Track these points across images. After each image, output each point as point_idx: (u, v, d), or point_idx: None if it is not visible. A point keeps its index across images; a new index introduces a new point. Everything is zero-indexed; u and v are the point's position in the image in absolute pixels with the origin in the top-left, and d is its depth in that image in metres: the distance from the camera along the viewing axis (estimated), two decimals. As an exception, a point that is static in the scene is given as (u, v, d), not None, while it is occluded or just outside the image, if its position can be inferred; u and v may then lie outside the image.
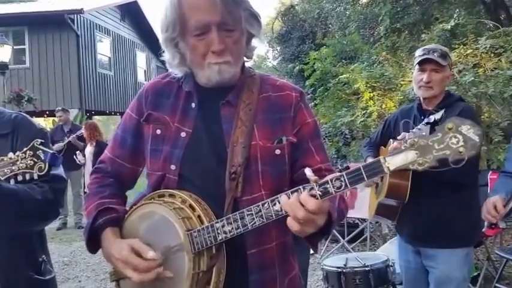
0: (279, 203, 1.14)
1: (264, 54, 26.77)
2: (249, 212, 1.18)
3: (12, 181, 1.35)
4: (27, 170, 1.32)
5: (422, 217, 2.48)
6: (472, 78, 5.26)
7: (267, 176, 1.32)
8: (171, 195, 1.32)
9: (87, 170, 7.53)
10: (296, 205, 1.09)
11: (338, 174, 1.09)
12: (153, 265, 1.22)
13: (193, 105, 1.40)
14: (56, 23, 15.18)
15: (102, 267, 5.81)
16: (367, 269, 3.07)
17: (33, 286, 1.66)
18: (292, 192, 1.13)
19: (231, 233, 1.21)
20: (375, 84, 6.90)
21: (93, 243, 1.38)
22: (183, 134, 1.37)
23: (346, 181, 1.08)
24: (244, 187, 1.29)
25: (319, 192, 1.09)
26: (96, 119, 17.81)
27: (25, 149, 1.33)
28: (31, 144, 1.33)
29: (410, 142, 1.03)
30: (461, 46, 5.91)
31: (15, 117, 1.72)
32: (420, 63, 2.48)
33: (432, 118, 2.33)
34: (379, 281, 2.86)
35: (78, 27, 15.87)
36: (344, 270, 3.10)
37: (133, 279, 1.24)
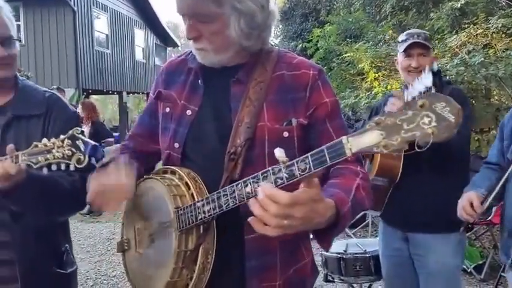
0: (251, 184, 1.09)
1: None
2: (225, 193, 1.15)
3: (45, 169, 1.28)
4: (64, 160, 1.25)
5: (413, 200, 2.35)
6: (482, 59, 5.10)
7: (274, 158, 1.21)
8: (173, 172, 1.32)
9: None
10: (266, 202, 0.99)
11: (304, 156, 1.01)
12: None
13: (199, 82, 1.38)
14: (52, -2, 14.86)
15: (97, 249, 5.75)
16: (367, 255, 2.99)
17: (54, 281, 1.63)
18: (262, 174, 1.07)
19: (209, 213, 1.18)
20: (380, 64, 6.72)
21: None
22: (188, 112, 1.36)
23: (311, 163, 0.99)
24: (245, 169, 1.24)
25: (286, 175, 1.03)
26: (94, 98, 17.60)
27: (63, 137, 1.26)
28: (70, 132, 1.26)
29: (376, 120, 0.91)
30: (471, 26, 5.71)
31: (50, 97, 1.67)
32: (407, 48, 2.41)
33: (436, 66, 2.23)
34: (380, 268, 2.74)
35: (75, 3, 15.54)
36: (344, 256, 3.03)
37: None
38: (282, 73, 1.34)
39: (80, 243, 6.04)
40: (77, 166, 1.26)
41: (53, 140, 1.27)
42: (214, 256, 1.24)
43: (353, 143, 0.94)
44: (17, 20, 15.43)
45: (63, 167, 1.26)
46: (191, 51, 1.41)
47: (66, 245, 1.71)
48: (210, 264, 1.23)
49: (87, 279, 4.87)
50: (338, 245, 3.26)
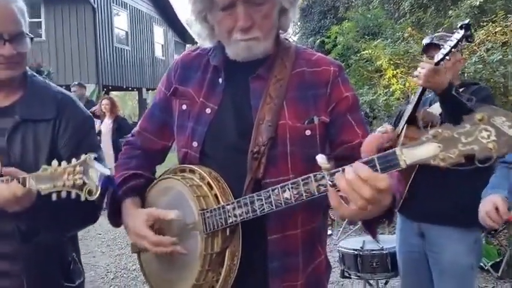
0: (290, 190, 1.07)
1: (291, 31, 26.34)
2: (259, 197, 1.12)
3: (54, 195, 1.18)
4: (74, 190, 1.15)
5: (432, 192, 2.32)
6: (500, 57, 5.08)
7: (297, 157, 1.25)
8: (192, 171, 1.28)
9: (103, 146, 7.47)
10: (360, 184, 0.94)
11: (351, 164, 0.98)
12: (164, 241, 1.22)
13: (220, 80, 1.34)
14: (72, -5, 15.03)
15: (117, 243, 5.84)
16: (384, 252, 3.01)
17: None
18: (302, 180, 1.05)
19: (241, 217, 1.15)
20: (399, 62, 6.66)
21: (116, 216, 1.36)
22: (208, 110, 1.32)
23: None
24: (268, 168, 1.23)
25: (330, 182, 1.01)
26: (113, 94, 17.79)
27: (75, 163, 1.16)
28: (83, 158, 1.15)
29: (433, 133, 0.89)
30: (490, 23, 5.67)
31: (61, 99, 1.53)
32: (427, 50, 2.46)
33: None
34: (397, 265, 2.74)
35: (95, 1, 15.69)
36: (361, 253, 3.05)
37: (152, 251, 1.24)
38: (302, 70, 1.33)
39: (100, 236, 6.15)
40: (88, 197, 1.14)
41: (64, 165, 1.18)
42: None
43: (407, 155, 0.92)
44: (38, 16, 15.64)
45: (73, 195, 1.16)
46: (211, 48, 1.39)
47: (73, 254, 1.61)
48: (236, 266, 1.21)
49: (108, 272, 4.95)
50: (355, 241, 3.28)
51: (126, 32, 18.08)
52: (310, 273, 1.33)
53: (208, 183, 1.23)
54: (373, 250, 3.05)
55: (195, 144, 1.32)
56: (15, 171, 1.31)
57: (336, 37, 8.48)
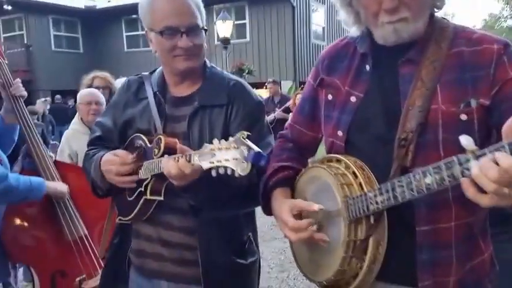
0: (431, 175, 1.02)
1: (498, 13, 23.46)
2: (400, 183, 1.09)
3: (213, 172, 1.21)
4: (229, 166, 1.18)
5: None
6: None
7: (450, 145, 1.16)
8: (338, 161, 1.29)
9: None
10: (488, 165, 0.90)
11: (498, 144, 0.92)
12: (302, 225, 1.24)
13: (367, 67, 1.32)
14: (273, -4, 15.77)
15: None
16: None
17: (233, 270, 1.62)
18: (445, 164, 0.99)
19: (383, 204, 1.14)
20: None
21: (268, 206, 1.41)
22: (353, 99, 1.32)
23: (509, 153, 0.89)
24: (417, 156, 1.18)
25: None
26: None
27: (230, 141, 1.19)
28: (237, 136, 1.19)
29: None
30: None
31: (233, 86, 1.63)
32: None
33: None
34: None
35: (294, -1, 16.19)
36: None
37: (291, 239, 1.28)
38: (461, 50, 1.23)
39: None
40: (241, 174, 1.16)
41: (221, 142, 1.21)
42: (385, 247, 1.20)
43: None
44: (243, 18, 16.76)
45: (229, 171, 1.18)
46: (354, 36, 1.37)
47: (250, 233, 1.70)
48: (381, 256, 1.19)
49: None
50: None
51: (323, 28, 18.32)
52: (468, 272, 1.26)
53: (353, 172, 1.23)
54: None
55: (339, 133, 1.33)
56: (184, 149, 1.39)
57: None
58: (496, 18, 24.82)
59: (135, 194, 1.56)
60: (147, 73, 1.72)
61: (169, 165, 1.35)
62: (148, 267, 1.65)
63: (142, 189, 1.52)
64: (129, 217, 1.61)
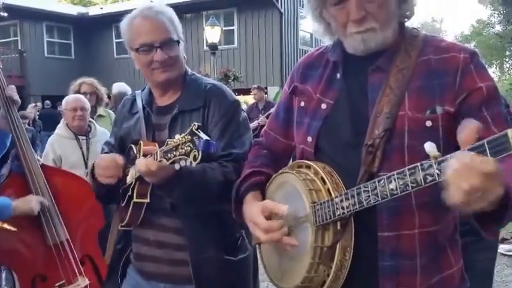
0: (395, 181, 1.05)
1: (486, 19, 23.49)
2: (366, 189, 1.12)
3: (177, 165, 1.33)
4: (185, 157, 1.29)
5: None
6: None
7: (415, 151, 1.17)
8: (307, 166, 1.31)
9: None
10: (467, 172, 0.91)
11: (460, 151, 0.96)
12: (274, 226, 1.26)
13: (338, 75, 1.35)
14: (261, 2, 15.85)
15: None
16: None
17: (223, 267, 1.67)
18: (409, 170, 1.03)
19: (348, 209, 1.15)
20: None
21: (240, 211, 1.43)
22: (323, 106, 1.34)
23: None
24: (383, 161, 1.20)
25: (437, 171, 0.98)
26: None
27: (184, 134, 1.30)
28: (190, 128, 1.29)
29: None
30: None
31: (209, 89, 1.73)
32: None
33: None
34: None
35: (282, 5, 16.27)
36: None
37: (261, 240, 1.30)
38: (428, 58, 1.26)
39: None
40: (193, 162, 1.26)
41: (179, 136, 1.31)
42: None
43: None
44: (231, 25, 16.86)
45: (187, 162, 1.29)
46: (329, 45, 1.42)
47: (242, 231, 1.75)
48: (348, 262, 1.20)
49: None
50: None
51: (311, 34, 18.36)
52: (435, 285, 1.25)
53: (322, 178, 1.24)
54: None
55: (309, 139, 1.34)
56: (151, 149, 1.49)
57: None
58: (484, 24, 24.86)
59: (126, 199, 1.67)
60: (139, 90, 1.87)
61: (139, 164, 1.46)
62: (146, 270, 1.75)
63: (130, 193, 1.64)
64: (124, 222, 1.70)
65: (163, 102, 1.76)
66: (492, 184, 0.92)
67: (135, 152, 1.65)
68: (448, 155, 0.96)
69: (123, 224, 1.73)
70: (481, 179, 0.90)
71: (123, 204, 1.69)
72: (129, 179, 1.63)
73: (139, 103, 1.80)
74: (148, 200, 1.63)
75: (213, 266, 1.65)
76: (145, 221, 1.69)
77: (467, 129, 0.97)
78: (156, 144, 1.55)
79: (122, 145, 1.79)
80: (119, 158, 1.62)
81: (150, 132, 1.72)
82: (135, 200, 1.63)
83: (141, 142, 1.62)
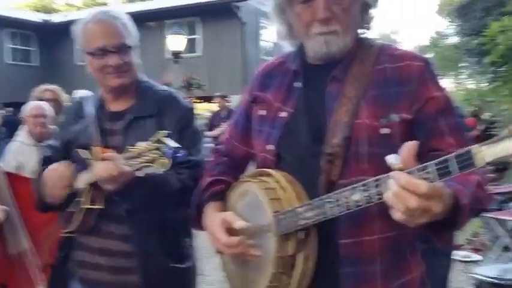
0: (360, 192, 1.06)
1: (443, 30, 24.01)
2: (329, 200, 1.12)
3: (141, 173, 1.35)
4: (151, 164, 1.30)
5: None
6: None
7: (374, 158, 1.19)
8: (268, 175, 1.30)
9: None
10: (404, 194, 0.95)
11: (426, 164, 0.96)
12: (234, 242, 1.25)
13: (298, 84, 1.35)
14: (224, 11, 16.08)
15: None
16: None
17: (170, 274, 1.67)
18: (375, 181, 1.04)
19: (312, 220, 1.15)
20: None
21: (200, 221, 1.41)
22: (283, 114, 1.34)
23: (435, 173, 0.95)
24: (343, 170, 1.21)
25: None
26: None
27: (152, 140, 1.31)
28: (156, 136, 1.30)
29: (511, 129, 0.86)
30: None
31: (163, 97, 1.74)
32: None
33: None
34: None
35: (244, 16, 16.48)
36: (502, 282, 2.81)
37: (224, 252, 1.31)
38: (384, 67, 1.27)
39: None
40: (161, 170, 1.29)
41: (144, 143, 1.31)
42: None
43: (487, 152, 0.88)
44: (194, 33, 16.92)
45: (151, 170, 1.30)
46: (289, 53, 1.42)
47: (187, 239, 1.77)
48: (311, 271, 1.20)
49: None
50: (495, 269, 3.03)
51: (274, 44, 18.63)
52: None
53: (283, 187, 1.23)
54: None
55: (269, 147, 1.34)
56: (113, 155, 1.46)
57: (495, 36, 7.42)
58: (441, 36, 25.41)
59: (74, 205, 1.64)
60: (86, 95, 1.87)
61: (98, 170, 1.46)
62: (89, 278, 1.72)
63: (82, 199, 1.60)
64: (72, 228, 1.67)
65: (116, 108, 1.75)
66: (429, 203, 0.95)
67: (83, 156, 1.61)
68: (415, 168, 0.97)
69: (68, 230, 1.69)
70: (417, 200, 0.94)
71: (70, 210, 1.66)
72: (81, 183, 1.60)
73: (89, 107, 1.77)
74: (102, 206, 1.61)
75: (161, 274, 1.65)
76: (93, 227, 1.66)
77: (405, 148, 1.00)
78: (111, 150, 1.54)
79: (68, 149, 1.74)
80: (71, 165, 1.61)
81: (101, 137, 1.68)
82: (88, 206, 1.60)
83: (94, 147, 1.60)
